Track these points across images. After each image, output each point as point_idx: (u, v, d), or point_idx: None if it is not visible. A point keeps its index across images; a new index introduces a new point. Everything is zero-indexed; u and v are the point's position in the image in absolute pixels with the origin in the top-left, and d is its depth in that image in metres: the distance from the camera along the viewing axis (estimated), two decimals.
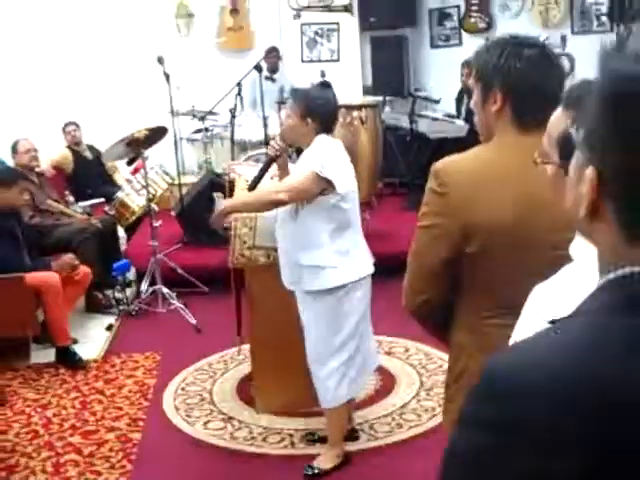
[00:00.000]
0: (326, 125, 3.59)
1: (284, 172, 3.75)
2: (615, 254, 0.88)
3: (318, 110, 3.55)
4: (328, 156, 3.49)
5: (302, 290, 3.63)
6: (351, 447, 3.89)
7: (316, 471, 3.72)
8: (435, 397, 4.36)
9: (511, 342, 1.56)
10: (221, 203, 3.81)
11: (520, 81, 1.98)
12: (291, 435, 4.06)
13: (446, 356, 4.72)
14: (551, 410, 0.80)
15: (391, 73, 9.55)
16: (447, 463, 0.91)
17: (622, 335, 0.82)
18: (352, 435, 3.99)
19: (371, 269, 3.69)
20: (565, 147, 1.47)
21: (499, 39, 2.12)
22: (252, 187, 3.80)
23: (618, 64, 0.85)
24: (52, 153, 7.61)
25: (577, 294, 1.32)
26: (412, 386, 4.57)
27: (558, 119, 1.51)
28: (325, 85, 3.73)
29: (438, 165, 2.04)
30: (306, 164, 3.50)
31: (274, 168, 3.83)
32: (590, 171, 0.87)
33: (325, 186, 3.43)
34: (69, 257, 5.50)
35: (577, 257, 1.48)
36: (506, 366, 0.87)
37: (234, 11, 9.51)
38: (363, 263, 3.66)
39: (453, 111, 8.62)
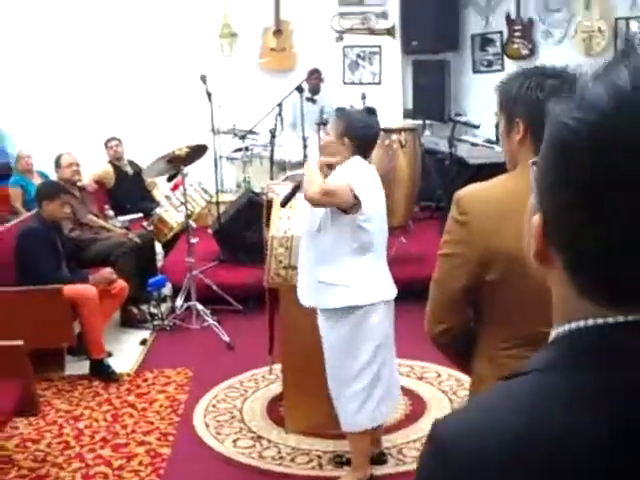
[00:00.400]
0: (363, 148, 3.61)
1: None
2: (567, 305, 0.85)
3: (357, 133, 3.56)
4: (359, 176, 3.50)
5: (319, 308, 3.63)
6: (378, 471, 3.88)
7: None
8: None
9: None
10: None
11: (541, 111, 1.99)
12: (319, 457, 4.05)
13: None
14: (501, 470, 0.80)
15: (432, 97, 9.56)
16: None
17: (563, 393, 0.81)
18: (380, 459, 3.97)
19: (391, 295, 3.66)
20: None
21: (524, 70, 2.14)
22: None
23: (561, 111, 0.82)
24: (94, 168, 7.74)
25: None
26: (443, 411, 4.54)
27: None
28: (370, 111, 3.76)
29: (460, 193, 2.06)
30: (339, 178, 3.51)
31: None
32: (536, 218, 0.86)
33: (354, 202, 3.41)
34: (107, 271, 5.58)
35: None
36: (454, 430, 0.86)
37: (277, 32, 9.60)
38: (381, 287, 3.63)
39: (493, 137, 8.60)
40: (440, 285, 2.10)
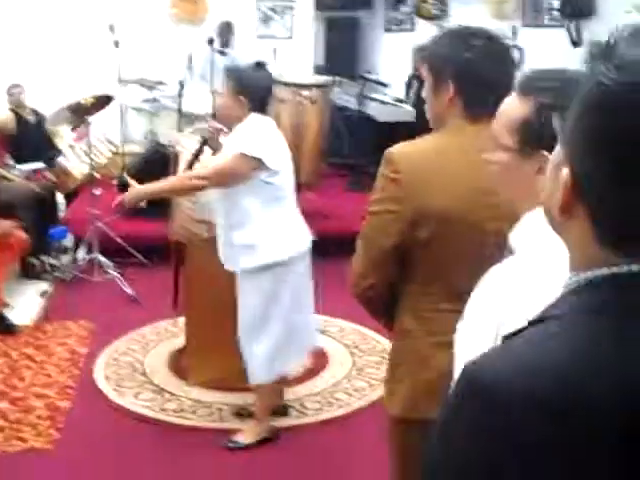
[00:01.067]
0: (259, 103, 3.58)
1: (217, 154, 3.74)
2: (587, 255, 0.88)
3: (250, 88, 3.54)
4: (256, 134, 3.49)
5: (239, 269, 3.63)
6: (280, 423, 3.92)
7: (238, 445, 3.75)
8: (366, 377, 4.41)
9: (458, 341, 1.59)
10: (134, 186, 3.76)
11: (470, 71, 2.01)
12: (220, 409, 4.07)
13: (380, 337, 4.79)
14: (545, 420, 0.79)
15: (343, 54, 9.55)
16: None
17: (616, 335, 0.82)
18: (282, 411, 4.02)
19: (308, 245, 3.70)
20: (526, 133, 1.50)
21: (450, 30, 2.15)
22: (188, 169, 3.78)
23: (605, 73, 0.82)
24: None
25: (526, 294, 1.34)
26: (345, 366, 4.61)
27: (514, 105, 1.54)
28: (260, 65, 3.80)
29: (391, 151, 2.06)
30: (232, 146, 3.51)
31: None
32: (565, 173, 0.87)
33: (255, 165, 3.42)
34: (8, 224, 5.40)
35: (517, 248, 1.51)
36: (498, 373, 0.84)
37: None
38: (299, 239, 3.67)
39: (402, 96, 8.66)
40: (369, 242, 2.11)
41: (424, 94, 2.14)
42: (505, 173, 1.57)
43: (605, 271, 0.86)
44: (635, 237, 0.84)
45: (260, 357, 3.66)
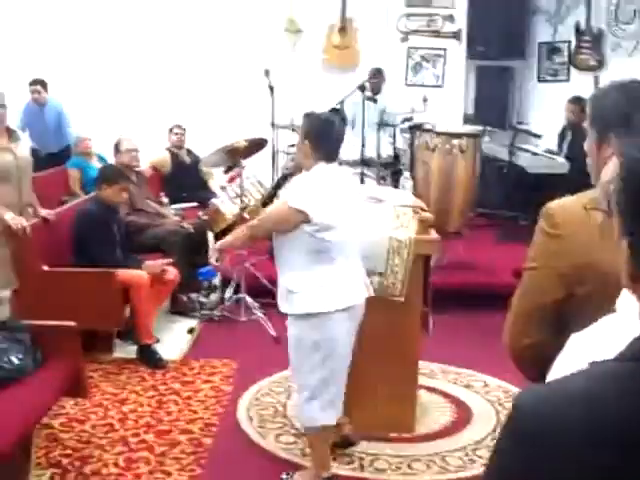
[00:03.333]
0: (325, 150, 3.58)
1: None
2: None
3: (316, 134, 3.57)
4: (309, 186, 3.51)
5: (283, 311, 3.66)
6: (423, 478, 3.83)
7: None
8: None
9: (552, 370, 1.57)
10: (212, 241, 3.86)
11: (634, 128, 1.93)
12: (361, 458, 4.02)
13: None
14: (584, 445, 0.83)
15: (494, 104, 9.46)
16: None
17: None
18: (346, 442, 4.09)
19: (347, 303, 3.56)
20: (610, 198, 1.44)
21: (619, 84, 2.06)
22: (265, 203, 3.80)
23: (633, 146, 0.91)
24: (152, 154, 7.79)
25: (615, 343, 1.29)
26: (489, 422, 4.47)
27: (612, 165, 1.49)
28: (335, 111, 3.73)
29: (550, 206, 2.00)
30: (284, 195, 3.57)
31: None
32: (624, 244, 0.94)
33: (301, 217, 3.41)
34: (162, 262, 5.59)
35: (620, 308, 1.46)
36: (536, 401, 0.90)
37: (342, 29, 9.57)
38: (343, 295, 3.56)
39: (555, 147, 8.47)
40: (527, 298, 2.05)
41: (586, 147, 2.07)
42: (604, 234, 1.55)
43: None
44: None
45: (303, 401, 3.65)
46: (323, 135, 3.59)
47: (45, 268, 5.19)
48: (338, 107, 3.72)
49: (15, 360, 3.73)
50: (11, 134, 5.19)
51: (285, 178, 3.80)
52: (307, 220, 3.42)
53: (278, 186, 3.83)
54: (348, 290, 3.60)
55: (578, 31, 9.25)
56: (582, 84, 8.87)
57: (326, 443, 3.77)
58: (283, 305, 3.62)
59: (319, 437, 3.72)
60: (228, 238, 3.92)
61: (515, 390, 4.83)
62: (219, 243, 3.93)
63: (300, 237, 3.47)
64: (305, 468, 3.87)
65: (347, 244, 3.59)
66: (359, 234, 3.70)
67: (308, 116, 3.73)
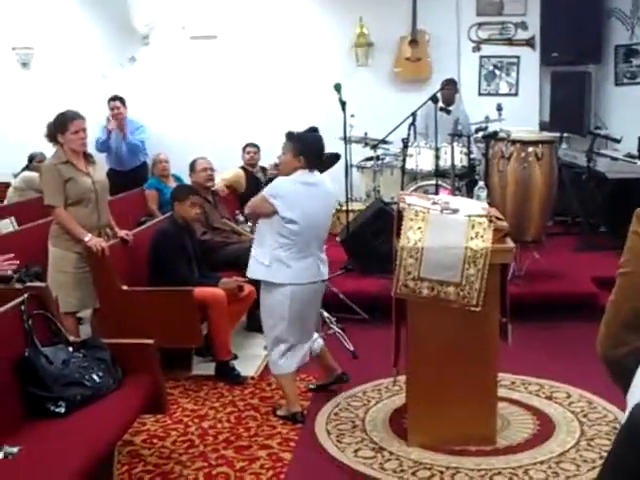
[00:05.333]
0: (314, 162, 4.53)
1: None
2: None
3: (310, 151, 4.50)
4: (287, 186, 4.45)
5: (251, 277, 4.70)
6: None
7: (274, 409, 4.76)
8: (596, 448, 4.14)
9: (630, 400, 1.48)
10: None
11: None
12: (441, 472, 3.95)
13: (610, 405, 4.53)
14: None
15: (570, 109, 9.26)
16: None
17: None
18: (341, 378, 5.05)
19: (300, 280, 4.47)
20: None
21: None
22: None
23: None
24: (226, 172, 7.86)
25: None
26: (572, 435, 4.36)
27: None
28: (313, 130, 4.67)
29: None
30: (267, 188, 4.55)
31: None
32: None
33: (271, 208, 4.39)
34: (237, 279, 5.63)
35: None
36: None
37: (413, 42, 9.53)
38: (294, 274, 4.45)
39: (635, 151, 8.25)
40: (622, 305, 1.97)
41: None
42: None
43: None
44: None
45: (271, 352, 4.65)
46: (317, 153, 4.57)
47: (124, 288, 5.29)
48: (314, 127, 4.68)
49: (96, 378, 3.80)
50: (88, 158, 5.32)
51: (270, 181, 4.79)
52: (275, 211, 4.37)
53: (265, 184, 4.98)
54: (305, 271, 4.49)
55: None
56: None
57: (291, 384, 4.73)
58: (253, 271, 4.57)
59: (286, 380, 4.68)
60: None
61: (599, 401, 4.70)
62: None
63: (274, 225, 4.42)
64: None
65: (313, 236, 4.50)
66: (324, 229, 4.64)
67: (295, 136, 4.56)
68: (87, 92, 9.23)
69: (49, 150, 5.37)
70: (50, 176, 5.14)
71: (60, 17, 9.54)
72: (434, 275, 4.05)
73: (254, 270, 4.56)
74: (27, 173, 8.28)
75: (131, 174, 8.66)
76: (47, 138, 5.33)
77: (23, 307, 3.78)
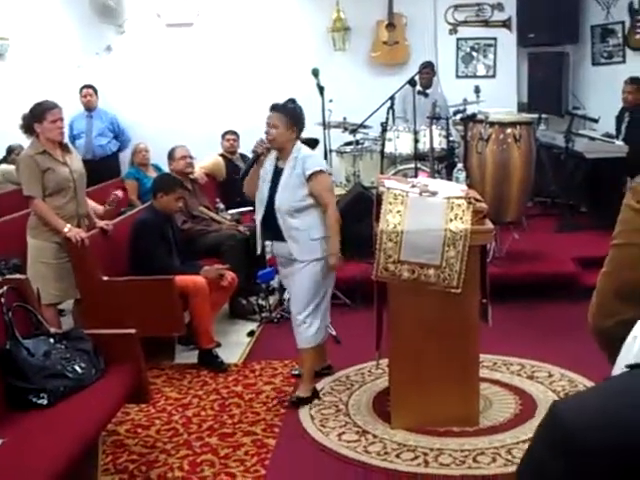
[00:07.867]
0: (300, 134, 4.64)
1: (259, 167, 4.67)
2: None
3: (301, 121, 4.61)
4: (318, 156, 4.88)
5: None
6: (488, 471, 3.78)
7: (295, 400, 4.65)
8: None
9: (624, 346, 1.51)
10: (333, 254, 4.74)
11: None
12: (425, 454, 3.98)
13: (591, 383, 4.55)
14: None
15: (548, 90, 9.29)
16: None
17: None
18: (326, 371, 5.04)
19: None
20: None
21: None
22: (242, 179, 4.77)
23: None
24: (205, 160, 7.84)
25: None
26: None
27: None
28: (292, 101, 4.68)
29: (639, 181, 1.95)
30: (316, 170, 4.50)
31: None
32: None
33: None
34: (219, 267, 5.63)
35: None
36: (585, 419, 0.84)
37: (390, 25, 9.52)
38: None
39: (612, 130, 8.29)
40: (614, 276, 1.99)
41: None
42: None
43: None
44: None
45: (310, 329, 4.68)
46: (304, 123, 4.67)
47: (105, 278, 5.27)
48: (292, 98, 4.70)
49: (78, 369, 3.79)
50: (64, 147, 5.28)
51: (258, 156, 4.66)
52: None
53: (252, 164, 4.71)
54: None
55: (632, 10, 9.03)
56: (638, 64, 8.66)
57: (315, 358, 4.82)
58: (308, 254, 4.62)
59: (312, 354, 4.75)
60: (335, 239, 4.67)
61: (580, 379, 4.75)
62: (336, 244, 4.67)
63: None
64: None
65: None
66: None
67: (286, 107, 4.58)
68: (63, 82, 9.15)
69: (27, 142, 5.32)
70: (27, 167, 5.10)
71: (36, 8, 9.44)
72: (414, 258, 4.06)
73: (311, 250, 4.60)
74: (4, 166, 8.20)
75: (102, 163, 8.65)
76: (22, 129, 5.28)
77: (3, 299, 3.76)
